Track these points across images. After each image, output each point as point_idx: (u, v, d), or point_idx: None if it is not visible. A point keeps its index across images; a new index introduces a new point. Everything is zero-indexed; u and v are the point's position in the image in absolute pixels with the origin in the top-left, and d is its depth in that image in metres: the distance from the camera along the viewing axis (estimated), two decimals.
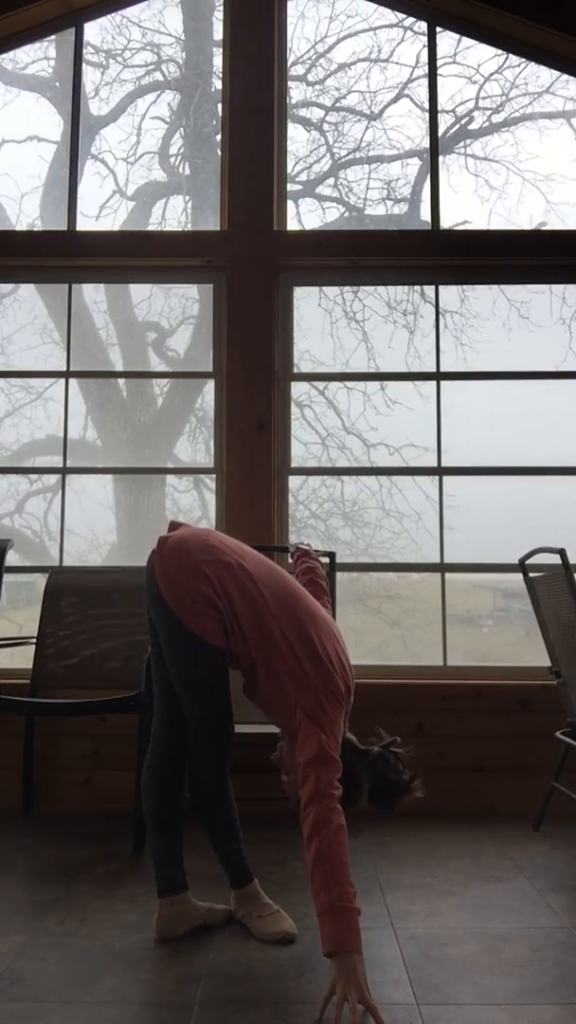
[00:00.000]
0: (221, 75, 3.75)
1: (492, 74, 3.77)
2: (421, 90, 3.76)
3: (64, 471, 3.60)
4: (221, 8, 3.80)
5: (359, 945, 1.68)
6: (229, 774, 2.09)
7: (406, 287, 3.66)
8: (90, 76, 3.83)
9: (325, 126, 3.81)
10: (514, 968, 1.89)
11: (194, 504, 3.64)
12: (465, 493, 3.54)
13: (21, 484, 3.64)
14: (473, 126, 3.77)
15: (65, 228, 3.68)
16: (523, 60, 3.75)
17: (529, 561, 2.95)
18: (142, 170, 3.82)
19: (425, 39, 3.76)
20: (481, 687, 3.24)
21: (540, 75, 3.75)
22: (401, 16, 3.80)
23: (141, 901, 2.28)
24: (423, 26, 3.77)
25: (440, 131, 3.73)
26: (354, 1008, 1.61)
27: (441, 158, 3.71)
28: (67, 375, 3.64)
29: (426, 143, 3.72)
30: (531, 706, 3.22)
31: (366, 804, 2.00)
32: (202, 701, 2.01)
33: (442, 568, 3.48)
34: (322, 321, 3.66)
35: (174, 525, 2.16)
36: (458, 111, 3.77)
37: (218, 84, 3.80)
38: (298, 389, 3.63)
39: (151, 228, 3.78)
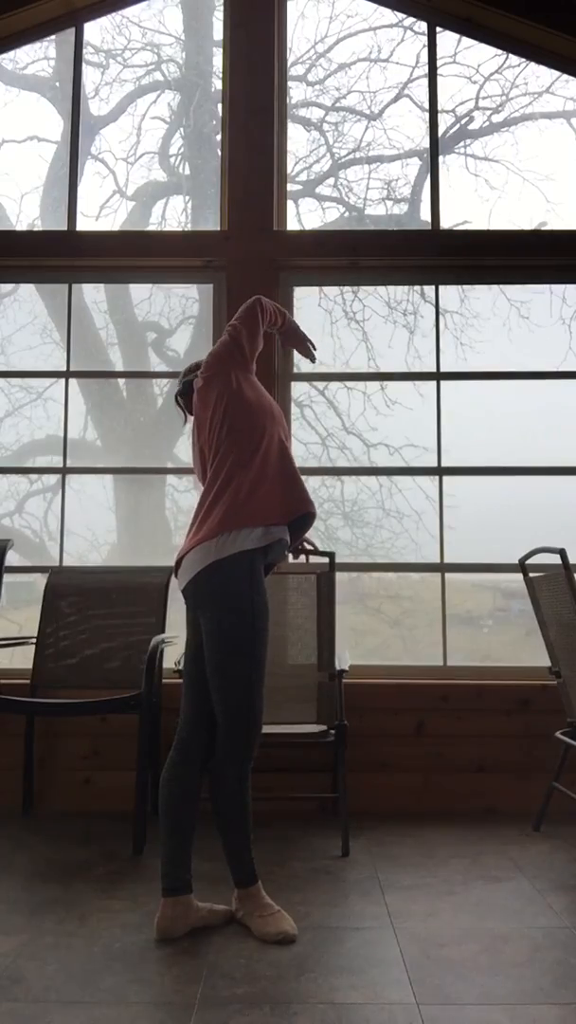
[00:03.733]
0: (221, 75, 3.75)
1: (492, 74, 3.77)
2: (421, 90, 3.76)
3: (64, 471, 3.60)
4: (221, 8, 3.80)
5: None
6: (250, 774, 2.11)
7: (406, 287, 3.66)
8: (90, 76, 3.83)
9: (325, 126, 3.81)
10: (514, 968, 1.89)
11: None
12: (465, 493, 3.54)
13: (21, 484, 3.64)
14: (473, 126, 3.77)
15: (65, 228, 3.68)
16: (523, 60, 3.75)
17: (529, 561, 2.96)
18: (142, 170, 3.82)
19: (425, 39, 3.76)
20: (481, 687, 3.24)
21: (540, 75, 3.75)
22: (401, 16, 3.80)
23: (141, 901, 2.28)
24: (423, 26, 3.77)
25: (440, 131, 3.72)
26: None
27: (441, 158, 3.71)
28: (67, 375, 3.64)
29: (426, 143, 3.72)
30: (531, 706, 3.22)
31: None
32: (239, 691, 2.05)
33: (442, 568, 3.48)
34: (322, 321, 3.66)
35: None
36: (458, 111, 3.77)
37: (218, 84, 3.80)
38: (298, 389, 3.63)
39: (151, 228, 3.78)
